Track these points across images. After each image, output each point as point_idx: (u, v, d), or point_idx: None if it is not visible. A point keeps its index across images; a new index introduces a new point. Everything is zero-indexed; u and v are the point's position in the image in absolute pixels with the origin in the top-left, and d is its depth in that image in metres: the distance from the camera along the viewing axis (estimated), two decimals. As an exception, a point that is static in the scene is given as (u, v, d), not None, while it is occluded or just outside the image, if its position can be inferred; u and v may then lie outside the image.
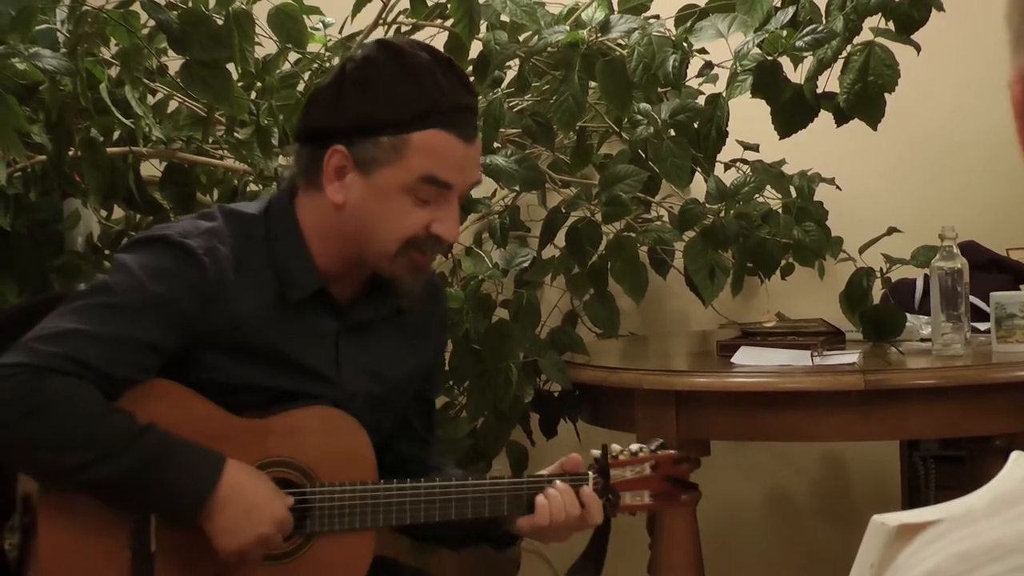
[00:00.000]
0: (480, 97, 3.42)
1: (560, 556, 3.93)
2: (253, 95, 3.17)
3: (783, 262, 3.49)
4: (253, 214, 2.29)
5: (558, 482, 2.35)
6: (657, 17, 3.35)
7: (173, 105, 3.36)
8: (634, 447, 2.44)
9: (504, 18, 3.29)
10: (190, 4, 3.05)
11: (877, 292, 3.39)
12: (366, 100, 2.21)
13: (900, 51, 3.05)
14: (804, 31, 3.05)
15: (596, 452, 2.43)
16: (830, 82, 3.13)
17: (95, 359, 2.09)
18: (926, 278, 3.47)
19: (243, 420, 2.20)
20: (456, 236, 2.29)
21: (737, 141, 3.58)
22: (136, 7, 2.97)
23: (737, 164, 3.69)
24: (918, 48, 3.08)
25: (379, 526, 2.27)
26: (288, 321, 2.25)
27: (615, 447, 2.43)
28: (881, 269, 3.34)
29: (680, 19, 3.36)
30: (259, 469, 2.19)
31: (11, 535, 2.17)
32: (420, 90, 2.20)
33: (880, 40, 3.03)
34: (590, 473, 2.39)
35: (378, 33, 3.33)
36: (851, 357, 3.07)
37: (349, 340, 2.32)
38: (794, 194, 3.53)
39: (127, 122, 3.05)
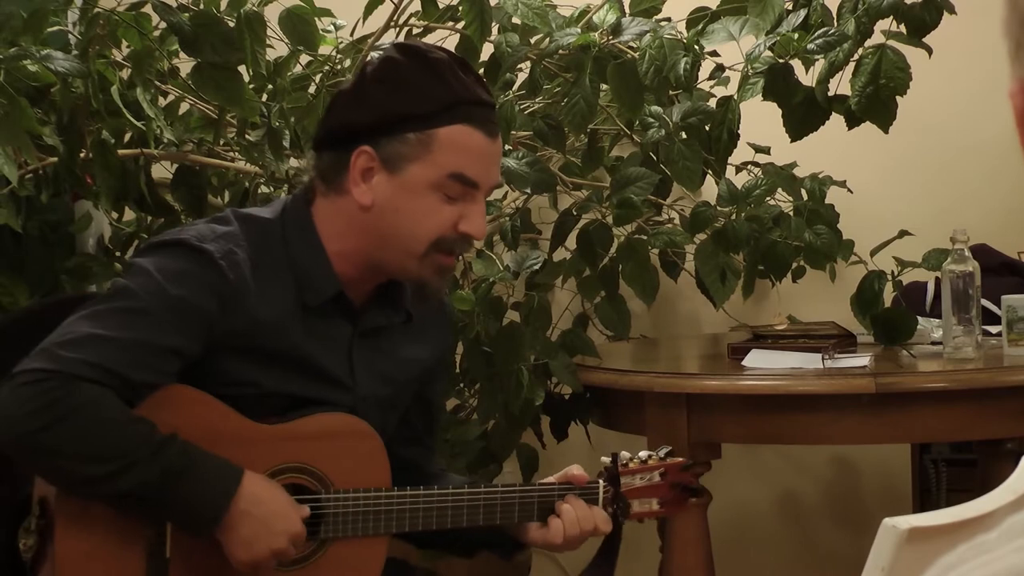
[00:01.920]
0: (491, 99, 3.42)
1: (571, 560, 3.93)
2: (264, 97, 3.17)
3: (794, 265, 3.49)
4: (268, 218, 2.28)
5: (571, 497, 2.35)
6: (669, 20, 3.35)
7: (184, 107, 3.37)
8: (643, 454, 2.43)
9: (516, 20, 3.29)
10: (201, 6, 3.06)
11: (888, 295, 3.38)
12: (390, 97, 2.20)
13: (912, 54, 3.04)
14: (816, 34, 3.05)
15: (606, 460, 2.42)
16: (841, 85, 3.13)
17: (117, 365, 2.07)
18: (937, 281, 3.46)
19: (260, 425, 2.20)
20: (483, 234, 2.28)
21: (748, 144, 3.58)
22: (148, 9, 2.97)
23: (748, 167, 3.69)
24: (929, 51, 3.08)
25: (392, 532, 2.27)
26: (305, 325, 2.24)
27: (624, 454, 2.43)
28: (892, 272, 3.33)
29: (692, 22, 3.36)
30: (274, 474, 2.19)
31: (27, 536, 2.17)
32: (443, 84, 2.19)
33: (892, 43, 3.03)
34: (600, 482, 2.39)
35: (389, 35, 3.33)
36: (862, 360, 3.07)
37: (362, 345, 2.31)
38: (805, 197, 3.53)
39: (139, 124, 3.05)
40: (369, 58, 2.34)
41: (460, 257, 3.43)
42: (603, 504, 2.38)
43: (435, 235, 2.21)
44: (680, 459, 2.47)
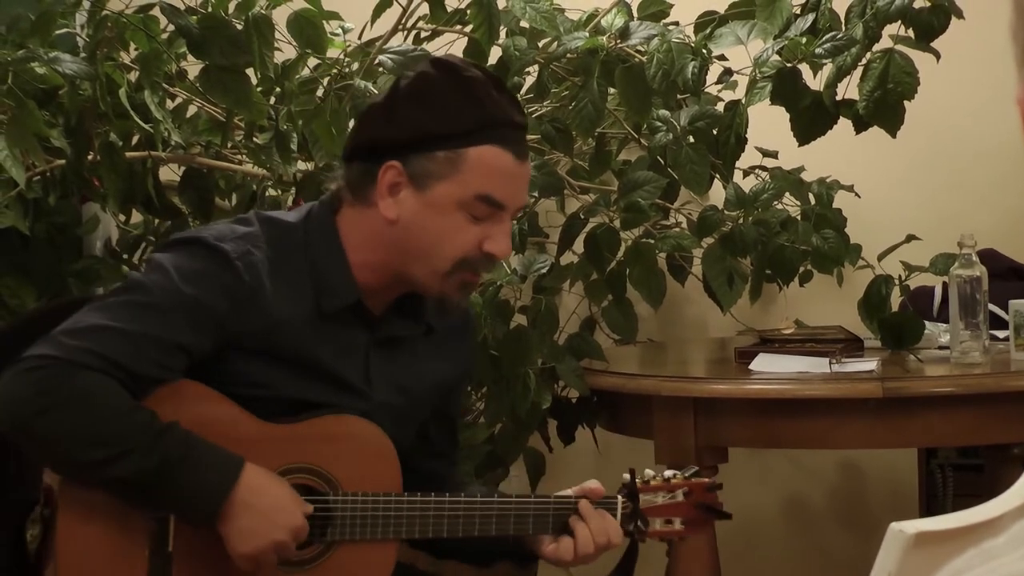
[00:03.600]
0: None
1: (580, 567, 3.92)
2: (272, 100, 3.17)
3: (801, 269, 3.48)
4: (291, 222, 2.28)
5: (586, 509, 2.31)
6: (676, 23, 3.35)
7: (192, 110, 3.37)
8: (668, 473, 2.40)
9: (523, 24, 3.28)
10: (210, 9, 3.06)
11: (896, 300, 3.38)
12: (421, 114, 2.20)
13: (919, 58, 3.04)
14: (823, 38, 3.05)
15: (626, 476, 2.40)
16: (849, 89, 3.13)
17: (122, 356, 2.09)
18: (945, 286, 3.46)
19: (270, 425, 2.20)
20: (508, 254, 2.29)
21: (756, 148, 3.58)
22: (156, 12, 2.98)
23: (756, 171, 3.69)
24: (937, 56, 3.07)
25: (401, 538, 2.26)
26: (321, 330, 2.24)
27: (648, 472, 2.40)
28: (900, 276, 3.33)
29: (699, 26, 3.36)
30: (282, 474, 2.19)
31: (33, 527, 2.17)
32: (476, 104, 2.19)
33: (899, 47, 3.02)
34: (619, 497, 2.36)
35: (397, 38, 3.33)
36: (869, 365, 3.06)
37: (379, 353, 2.30)
38: (813, 201, 3.52)
39: (146, 126, 3.05)
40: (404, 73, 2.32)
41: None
42: (620, 520, 2.36)
43: (460, 254, 2.21)
44: (706, 479, 2.42)
